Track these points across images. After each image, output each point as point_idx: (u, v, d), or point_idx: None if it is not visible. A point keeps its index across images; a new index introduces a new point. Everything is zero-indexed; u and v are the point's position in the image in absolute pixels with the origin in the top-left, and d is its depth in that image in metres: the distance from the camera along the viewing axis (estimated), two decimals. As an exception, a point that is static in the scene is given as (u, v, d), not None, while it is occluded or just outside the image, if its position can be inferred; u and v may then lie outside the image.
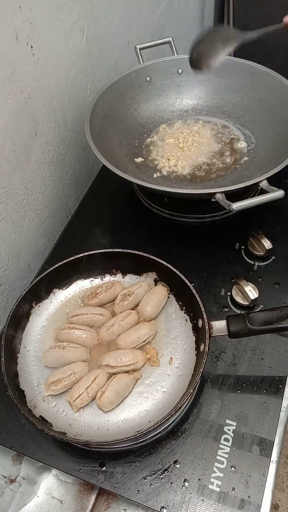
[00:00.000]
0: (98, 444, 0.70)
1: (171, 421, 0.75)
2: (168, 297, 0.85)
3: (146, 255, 0.84)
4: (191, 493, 0.68)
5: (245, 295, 0.86)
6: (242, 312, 0.86)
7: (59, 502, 0.72)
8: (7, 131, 0.86)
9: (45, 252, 1.09)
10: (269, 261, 0.94)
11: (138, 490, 0.69)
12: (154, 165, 1.08)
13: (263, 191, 0.83)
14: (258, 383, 0.78)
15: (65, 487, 0.73)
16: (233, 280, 0.90)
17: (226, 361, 0.81)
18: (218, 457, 0.71)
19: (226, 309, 0.88)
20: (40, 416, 0.72)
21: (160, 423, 0.66)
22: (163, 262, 0.83)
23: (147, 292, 0.84)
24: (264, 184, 0.84)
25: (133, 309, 0.84)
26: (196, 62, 0.91)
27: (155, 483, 0.69)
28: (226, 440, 0.73)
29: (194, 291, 0.77)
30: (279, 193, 0.80)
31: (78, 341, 0.79)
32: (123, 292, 0.84)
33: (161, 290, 0.84)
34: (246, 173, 1.03)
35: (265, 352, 0.82)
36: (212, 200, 0.84)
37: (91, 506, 0.71)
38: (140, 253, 0.84)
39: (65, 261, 0.85)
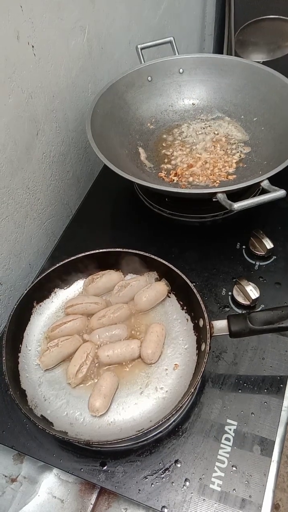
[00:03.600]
0: (99, 444, 0.70)
1: (172, 420, 0.75)
2: (169, 297, 0.85)
3: (147, 254, 0.84)
4: (192, 493, 0.68)
5: (246, 295, 0.86)
6: (243, 312, 0.86)
7: (60, 502, 0.72)
8: (8, 130, 0.86)
9: (46, 252, 1.10)
10: (270, 260, 0.94)
11: (139, 490, 0.69)
12: (155, 165, 1.08)
13: (264, 191, 0.83)
14: (259, 383, 0.78)
15: (66, 487, 0.73)
16: (234, 280, 0.90)
17: (227, 361, 0.81)
18: (219, 457, 0.71)
19: (227, 309, 0.88)
20: (41, 415, 0.72)
21: (161, 422, 0.66)
22: (164, 261, 0.83)
23: (144, 286, 0.84)
24: (265, 184, 0.84)
25: (129, 301, 0.84)
26: None
27: (156, 482, 0.69)
28: (227, 439, 0.73)
29: (195, 290, 0.77)
30: (280, 193, 0.80)
31: (72, 332, 0.80)
32: (120, 283, 0.85)
33: (161, 286, 0.84)
34: (247, 172, 1.03)
35: (266, 352, 0.82)
36: (213, 199, 0.84)
37: (92, 506, 0.71)
38: (141, 252, 0.84)
39: (66, 260, 0.85)
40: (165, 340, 0.80)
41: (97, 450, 0.73)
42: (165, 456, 0.72)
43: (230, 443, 0.72)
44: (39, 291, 0.85)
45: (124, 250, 0.85)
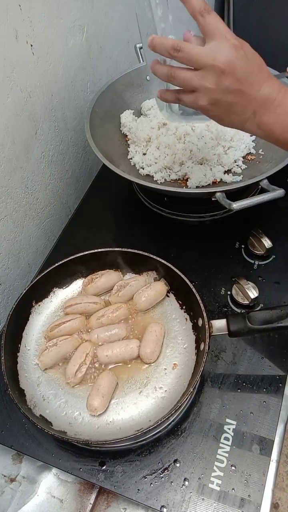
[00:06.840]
0: (98, 443, 0.70)
1: (171, 420, 0.75)
2: (168, 296, 0.85)
3: (146, 254, 0.84)
4: (191, 492, 0.68)
5: (245, 294, 0.86)
6: (242, 311, 0.86)
7: (59, 501, 0.72)
8: (7, 130, 0.86)
9: (45, 251, 1.09)
10: (269, 260, 0.94)
11: (138, 489, 0.69)
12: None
13: (263, 190, 0.83)
14: (258, 382, 0.78)
15: (65, 486, 0.73)
16: (233, 279, 0.90)
17: (226, 360, 0.81)
18: (218, 456, 0.71)
19: (226, 308, 0.88)
20: (40, 415, 0.72)
21: (160, 422, 0.66)
22: (163, 261, 0.82)
23: (143, 286, 0.84)
24: (264, 183, 0.84)
25: (128, 301, 0.85)
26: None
27: (155, 482, 0.69)
28: (226, 439, 0.73)
29: (194, 290, 0.77)
30: (279, 192, 0.80)
31: (71, 331, 0.80)
32: (119, 283, 0.85)
33: (160, 286, 0.84)
34: (246, 172, 1.02)
35: (265, 351, 0.82)
36: (213, 199, 0.84)
37: (91, 505, 0.71)
38: (140, 252, 0.84)
39: (65, 260, 0.85)
40: (164, 339, 0.80)
41: (96, 450, 0.73)
42: (164, 455, 0.72)
43: (229, 443, 0.72)
44: (38, 291, 0.84)
45: (123, 249, 0.85)
